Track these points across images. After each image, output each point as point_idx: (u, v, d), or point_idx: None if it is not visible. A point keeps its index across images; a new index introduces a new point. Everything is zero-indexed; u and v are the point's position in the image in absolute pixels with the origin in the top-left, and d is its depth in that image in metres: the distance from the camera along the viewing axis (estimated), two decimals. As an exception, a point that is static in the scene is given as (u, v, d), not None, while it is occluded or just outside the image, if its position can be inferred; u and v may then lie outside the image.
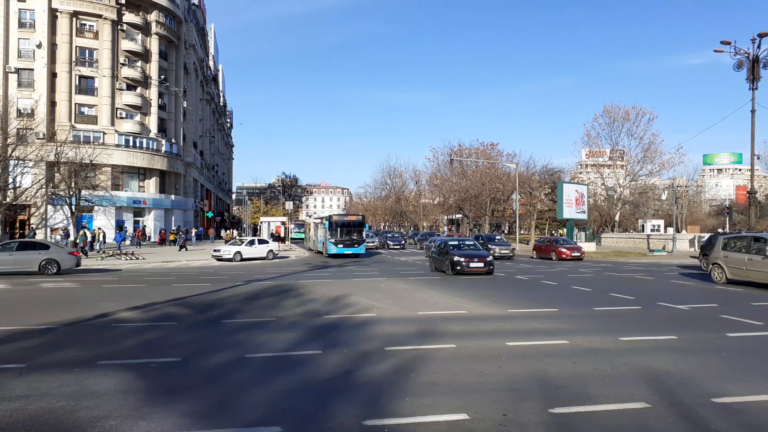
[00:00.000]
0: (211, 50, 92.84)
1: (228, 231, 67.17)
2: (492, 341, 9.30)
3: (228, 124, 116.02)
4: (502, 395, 6.27)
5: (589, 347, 8.88)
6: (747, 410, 5.85)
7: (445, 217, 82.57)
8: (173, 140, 60.50)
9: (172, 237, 49.38)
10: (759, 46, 26.38)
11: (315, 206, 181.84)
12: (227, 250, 32.42)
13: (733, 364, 7.81)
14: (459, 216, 74.32)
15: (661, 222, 56.41)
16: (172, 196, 59.38)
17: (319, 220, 42.63)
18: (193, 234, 50.15)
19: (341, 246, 35.22)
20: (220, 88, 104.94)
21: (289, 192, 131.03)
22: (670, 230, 45.98)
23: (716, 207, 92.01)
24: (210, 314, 12.49)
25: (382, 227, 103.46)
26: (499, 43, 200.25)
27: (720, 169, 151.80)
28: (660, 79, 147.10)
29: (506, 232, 70.21)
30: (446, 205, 75.94)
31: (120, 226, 48.58)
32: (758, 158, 56.38)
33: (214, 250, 33.25)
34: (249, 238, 36.59)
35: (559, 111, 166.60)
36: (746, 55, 26.89)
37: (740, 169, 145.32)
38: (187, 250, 40.69)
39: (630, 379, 6.97)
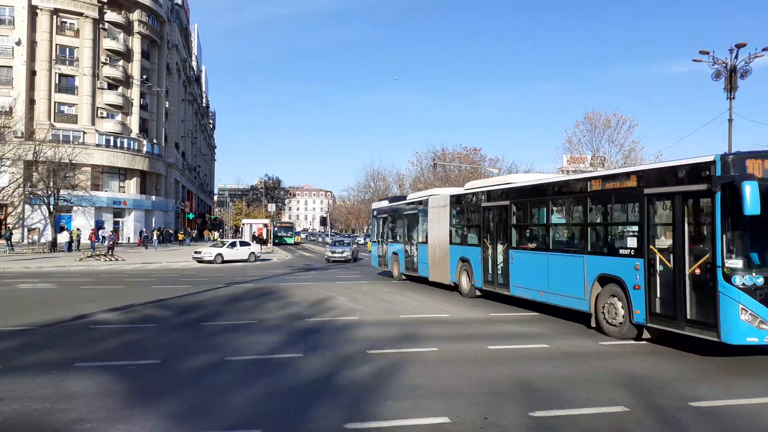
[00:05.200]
0: (195, 51, 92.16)
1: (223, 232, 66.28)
2: (473, 345, 9.34)
3: (210, 125, 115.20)
4: (483, 399, 6.29)
5: (570, 351, 8.95)
6: (723, 414, 5.94)
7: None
8: (155, 141, 59.90)
9: (180, 237, 55.61)
10: (737, 57, 26.90)
11: (298, 208, 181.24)
12: (208, 252, 32.12)
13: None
14: (442, 220, 74.48)
15: (641, 228, 56.94)
16: (153, 197, 58.74)
17: (446, 200, 17.14)
18: (155, 237, 47.01)
19: None
20: (203, 89, 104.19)
21: (271, 194, 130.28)
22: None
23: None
24: (190, 316, 12.37)
25: (365, 230, 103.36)
26: (484, 49, 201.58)
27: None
28: (641, 86, 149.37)
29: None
30: (429, 209, 76.12)
31: None
32: (735, 166, 57.24)
33: (195, 252, 32.92)
34: (230, 240, 36.29)
35: (541, 117, 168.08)
36: (724, 65, 27.42)
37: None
38: (112, 252, 33.95)
39: (609, 383, 7.04)
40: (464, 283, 15.91)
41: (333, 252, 35.14)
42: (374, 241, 24.51)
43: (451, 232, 16.75)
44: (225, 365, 7.88)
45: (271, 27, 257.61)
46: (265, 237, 56.55)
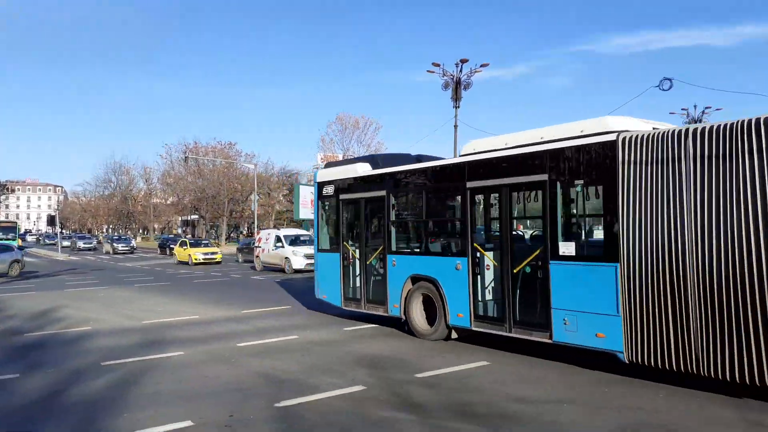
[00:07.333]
0: None
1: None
2: (223, 344, 9.18)
3: None
4: (228, 397, 6.23)
5: (318, 340, 9.38)
6: (441, 380, 6.85)
7: (180, 219, 78.49)
8: None
9: None
10: (461, 70, 30.96)
11: (18, 206, 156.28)
12: None
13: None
14: (195, 217, 71.41)
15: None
16: None
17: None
18: None
19: None
20: None
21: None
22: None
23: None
24: None
25: (105, 230, 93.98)
26: (238, 47, 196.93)
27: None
28: (388, 91, 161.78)
29: (245, 233, 69.69)
30: (181, 206, 72.19)
31: None
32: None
33: None
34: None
35: (295, 116, 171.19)
36: (452, 77, 31.35)
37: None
38: None
39: (350, 366, 7.57)
40: None
41: None
42: (324, 250, 11.93)
43: None
44: None
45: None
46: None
